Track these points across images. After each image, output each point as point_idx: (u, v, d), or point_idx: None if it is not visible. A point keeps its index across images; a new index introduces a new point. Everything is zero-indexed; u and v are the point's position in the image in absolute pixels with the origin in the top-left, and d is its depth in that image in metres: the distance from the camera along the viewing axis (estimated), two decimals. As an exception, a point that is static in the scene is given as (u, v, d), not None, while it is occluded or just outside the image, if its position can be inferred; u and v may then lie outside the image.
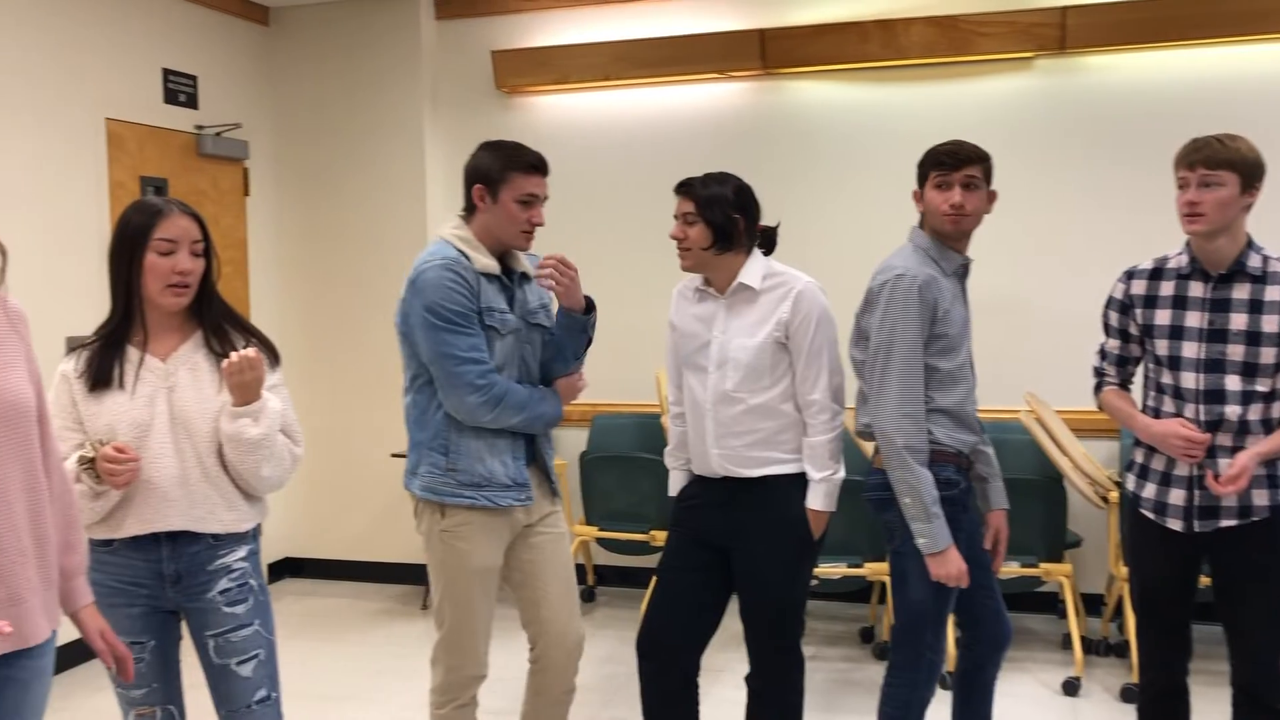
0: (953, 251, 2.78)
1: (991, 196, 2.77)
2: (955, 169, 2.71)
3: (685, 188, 2.81)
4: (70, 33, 4.57)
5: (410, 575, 5.70)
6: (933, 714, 2.91)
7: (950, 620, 3.01)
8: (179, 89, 5.18)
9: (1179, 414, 2.67)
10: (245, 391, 2.33)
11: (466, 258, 2.73)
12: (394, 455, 5.48)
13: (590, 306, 2.86)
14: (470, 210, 2.80)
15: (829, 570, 4.34)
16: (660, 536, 4.83)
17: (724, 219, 2.77)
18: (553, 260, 2.74)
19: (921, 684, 2.79)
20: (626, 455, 4.99)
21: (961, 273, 2.82)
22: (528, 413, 2.76)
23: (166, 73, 5.11)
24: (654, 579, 3.01)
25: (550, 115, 5.55)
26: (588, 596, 5.42)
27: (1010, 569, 4.23)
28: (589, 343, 2.93)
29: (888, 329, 2.69)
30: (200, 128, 5.29)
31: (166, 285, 2.33)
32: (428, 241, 5.65)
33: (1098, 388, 2.91)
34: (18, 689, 1.90)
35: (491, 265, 2.75)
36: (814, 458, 2.79)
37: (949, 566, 2.66)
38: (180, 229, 2.34)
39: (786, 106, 5.25)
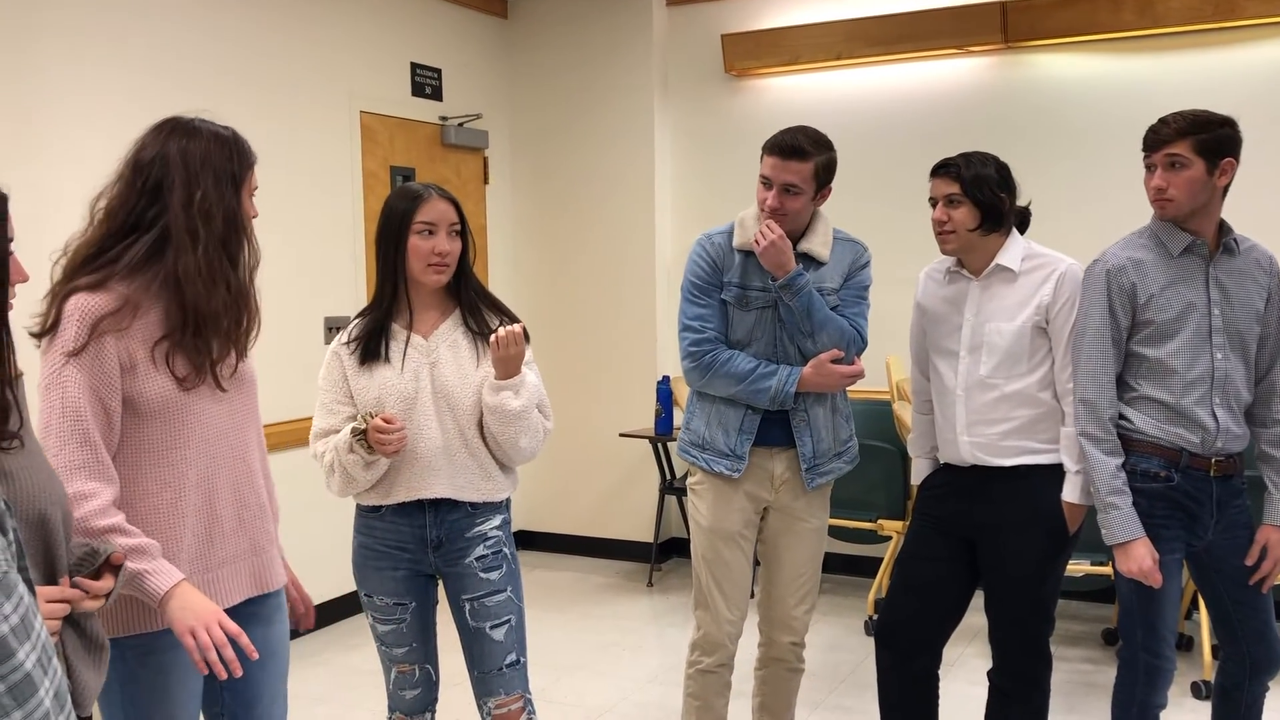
0: (1182, 231, 2.57)
1: (1224, 169, 2.52)
2: (1154, 150, 2.55)
3: (947, 168, 2.72)
4: (327, 31, 4.88)
5: (638, 552, 5.82)
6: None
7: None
8: (425, 81, 5.44)
9: None
10: (509, 366, 2.44)
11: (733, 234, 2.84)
12: (622, 435, 5.60)
13: (794, 276, 2.72)
14: None
15: (1073, 568, 4.14)
16: (888, 525, 4.74)
17: (992, 198, 2.68)
18: (764, 223, 2.75)
19: (1140, 685, 2.64)
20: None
21: (1202, 252, 2.58)
22: (746, 385, 2.78)
23: (414, 66, 5.37)
24: (888, 566, 2.95)
25: (780, 97, 5.51)
26: (811, 582, 5.38)
27: None
28: (814, 318, 2.75)
29: (1079, 315, 2.63)
30: (444, 119, 5.55)
31: (427, 265, 2.47)
32: (656, 222, 5.75)
33: None
34: (262, 624, 2.12)
35: (750, 243, 2.79)
36: (1071, 448, 2.66)
37: (1129, 561, 2.54)
38: (439, 212, 2.48)
39: (1030, 82, 5.02)
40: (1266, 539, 2.63)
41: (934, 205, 2.75)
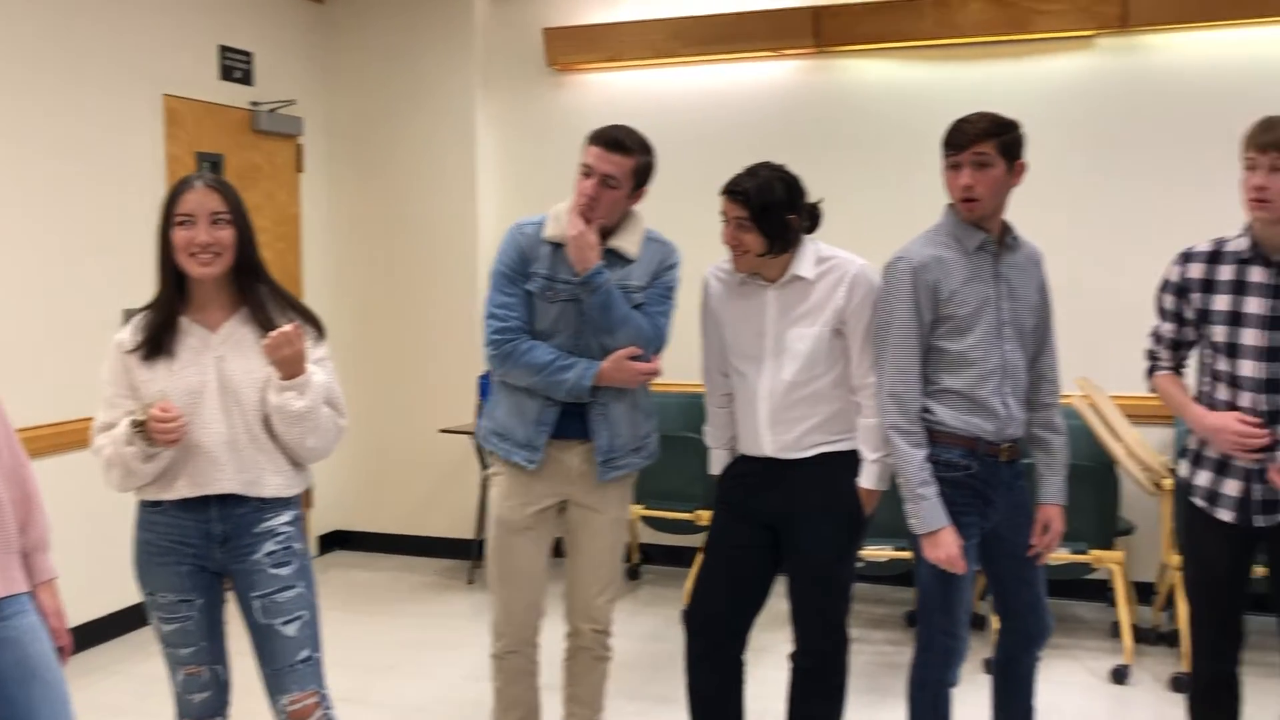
0: (976, 229, 2.69)
1: (1018, 169, 2.66)
2: (962, 148, 2.63)
3: (735, 194, 2.73)
4: (129, 10, 4.64)
5: (457, 550, 5.75)
6: (977, 700, 2.87)
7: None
8: (234, 65, 5.24)
9: (1234, 402, 2.59)
10: (288, 366, 2.38)
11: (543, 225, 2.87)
12: (442, 431, 5.53)
13: (593, 274, 2.76)
14: None
15: (876, 553, 4.31)
16: (705, 515, 4.83)
17: (780, 225, 2.72)
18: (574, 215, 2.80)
19: (935, 666, 2.76)
20: (672, 434, 4.96)
21: (991, 249, 2.70)
22: (544, 376, 2.82)
23: (223, 49, 5.16)
24: (700, 556, 3.01)
25: (602, 94, 5.54)
26: (632, 574, 5.43)
27: (1060, 555, 4.17)
28: (611, 315, 2.79)
29: (883, 312, 2.70)
30: (255, 104, 5.35)
31: (189, 255, 2.42)
32: (478, 216, 5.69)
33: (1150, 371, 2.84)
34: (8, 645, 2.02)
35: (562, 235, 2.81)
36: (869, 439, 2.76)
37: (938, 549, 2.64)
38: (195, 203, 2.41)
39: (840, 86, 5.19)
40: (1047, 517, 2.81)
41: (725, 221, 2.78)
